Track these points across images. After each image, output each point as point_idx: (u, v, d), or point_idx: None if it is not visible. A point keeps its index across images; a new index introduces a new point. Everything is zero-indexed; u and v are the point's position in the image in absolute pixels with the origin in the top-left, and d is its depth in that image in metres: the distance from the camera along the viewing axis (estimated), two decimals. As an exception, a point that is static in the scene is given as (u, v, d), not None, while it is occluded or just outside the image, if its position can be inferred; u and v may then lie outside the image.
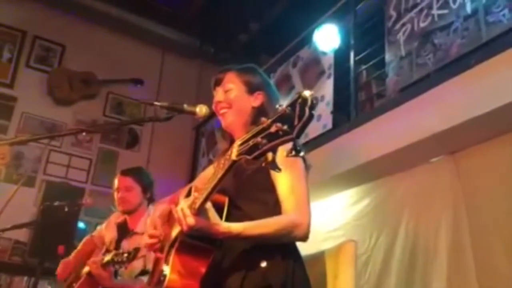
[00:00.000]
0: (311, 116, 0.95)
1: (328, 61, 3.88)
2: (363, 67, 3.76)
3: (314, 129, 3.77)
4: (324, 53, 3.91)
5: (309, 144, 3.58)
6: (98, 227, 2.97)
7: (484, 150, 2.73)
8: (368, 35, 3.66)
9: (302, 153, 1.00)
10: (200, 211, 1.25)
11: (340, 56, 3.84)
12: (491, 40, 2.52)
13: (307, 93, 0.96)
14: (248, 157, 1.04)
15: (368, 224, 3.35)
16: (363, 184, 3.50)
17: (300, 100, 0.96)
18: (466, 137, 2.71)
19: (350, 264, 1.55)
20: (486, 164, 2.71)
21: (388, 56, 3.27)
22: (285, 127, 0.97)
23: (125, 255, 2.34)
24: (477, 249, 2.62)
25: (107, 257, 2.43)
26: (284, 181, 1.41)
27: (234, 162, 1.12)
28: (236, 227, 1.30)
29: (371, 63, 3.66)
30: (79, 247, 2.84)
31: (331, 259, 1.59)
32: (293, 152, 0.99)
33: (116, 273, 2.50)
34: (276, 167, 1.03)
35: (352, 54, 3.73)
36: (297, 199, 1.39)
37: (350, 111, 3.58)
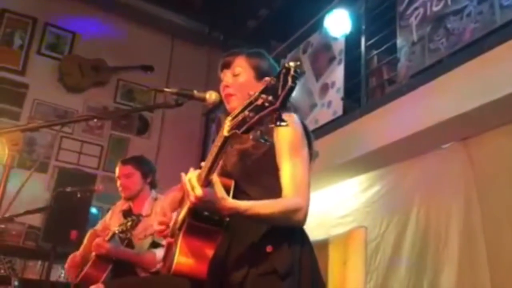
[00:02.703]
0: (293, 85, 0.96)
1: (338, 47, 3.84)
2: (374, 52, 3.72)
3: (324, 116, 3.76)
4: (335, 39, 3.87)
5: (319, 131, 3.57)
6: (101, 220, 3.01)
7: (496, 136, 2.70)
8: (380, 19, 3.61)
9: (284, 123, 1.00)
10: (206, 185, 1.25)
11: (351, 41, 3.80)
12: (506, 24, 2.47)
13: (291, 63, 0.97)
14: (238, 131, 1.05)
15: (379, 210, 3.35)
16: (374, 171, 3.49)
17: (284, 70, 0.97)
18: (478, 123, 2.68)
19: (360, 250, 1.55)
20: (498, 150, 2.68)
21: (399, 41, 3.23)
22: (270, 97, 0.98)
23: (129, 223, 2.39)
24: (488, 235, 2.61)
25: (111, 232, 2.49)
26: (287, 166, 1.41)
27: (226, 138, 1.11)
28: (242, 204, 1.30)
29: (382, 48, 3.62)
30: (84, 242, 2.88)
31: (340, 245, 1.60)
32: (278, 122, 0.99)
33: (132, 246, 2.56)
34: (263, 138, 1.05)
35: (363, 39, 3.69)
36: (297, 185, 1.39)
37: (360, 97, 3.56)
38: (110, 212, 2.95)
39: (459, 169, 2.87)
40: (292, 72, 0.96)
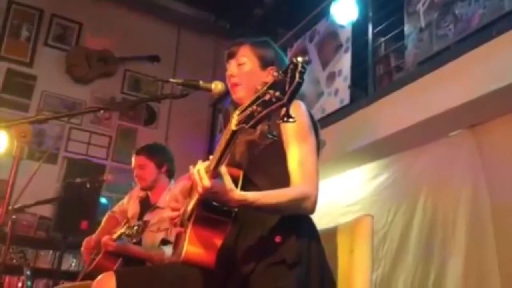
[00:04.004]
0: (300, 80, 0.96)
1: (345, 34, 3.81)
2: (382, 39, 3.69)
3: (331, 104, 3.75)
4: (342, 26, 3.84)
5: (326, 119, 3.56)
6: (119, 203, 3.03)
7: (504, 123, 2.68)
8: (387, 6, 3.57)
9: (292, 120, 1.00)
10: (215, 176, 1.26)
11: (358, 29, 3.77)
12: (514, 9, 2.44)
13: (299, 58, 0.97)
14: (246, 126, 1.05)
15: (386, 199, 3.34)
16: (381, 159, 3.48)
17: (291, 66, 0.97)
18: (487, 110, 2.65)
19: (367, 239, 1.55)
20: (507, 137, 2.66)
21: (407, 28, 3.19)
22: (277, 93, 0.98)
23: (135, 228, 2.41)
24: (497, 223, 2.59)
25: (119, 232, 2.52)
26: (295, 154, 1.42)
27: (234, 132, 1.12)
28: (251, 195, 1.31)
29: (389, 35, 3.59)
30: (102, 224, 2.91)
31: (347, 233, 1.59)
32: (285, 118, 0.99)
33: (139, 242, 2.58)
34: (270, 134, 1.05)
35: (370, 27, 3.65)
36: (306, 172, 1.39)
37: (368, 85, 3.54)
38: (127, 196, 2.95)
39: (467, 156, 2.85)
40: (299, 67, 0.96)
